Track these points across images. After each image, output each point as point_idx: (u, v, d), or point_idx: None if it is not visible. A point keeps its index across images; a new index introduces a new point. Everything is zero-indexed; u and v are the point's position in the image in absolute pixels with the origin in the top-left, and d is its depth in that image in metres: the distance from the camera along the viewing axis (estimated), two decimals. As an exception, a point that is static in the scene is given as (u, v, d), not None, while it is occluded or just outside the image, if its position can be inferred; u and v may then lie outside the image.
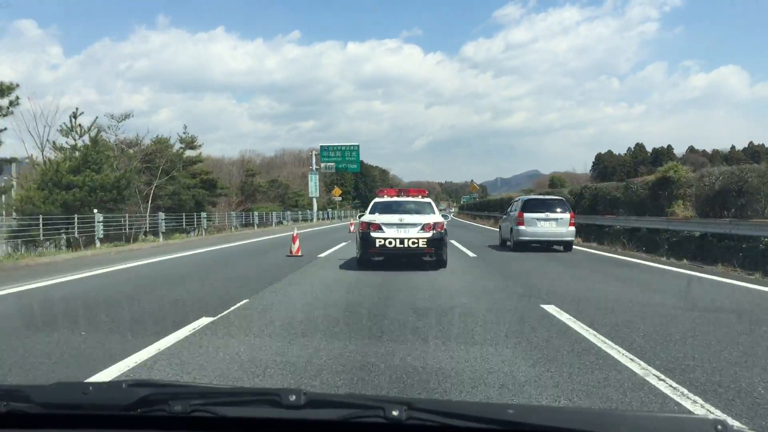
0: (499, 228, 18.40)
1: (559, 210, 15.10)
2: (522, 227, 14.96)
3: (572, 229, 15.02)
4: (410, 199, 12.02)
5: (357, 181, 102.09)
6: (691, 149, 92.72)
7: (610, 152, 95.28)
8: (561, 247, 15.13)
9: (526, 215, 15.02)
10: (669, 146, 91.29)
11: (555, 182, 72.00)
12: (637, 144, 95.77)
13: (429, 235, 10.25)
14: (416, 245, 10.20)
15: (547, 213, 15.03)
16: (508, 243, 15.90)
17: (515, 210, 15.97)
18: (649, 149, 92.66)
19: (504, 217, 18.24)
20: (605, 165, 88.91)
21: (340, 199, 65.31)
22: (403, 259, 10.61)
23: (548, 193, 26.67)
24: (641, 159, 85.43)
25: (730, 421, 2.80)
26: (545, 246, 15.34)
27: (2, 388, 1.42)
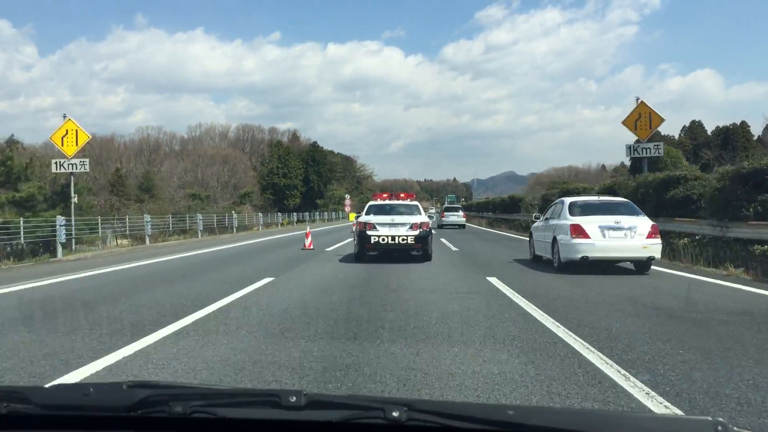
0: (438, 217, 39.38)
1: (460, 211, 37.15)
2: (443, 218, 35.80)
3: (464, 219, 36.49)
4: (400, 202, 14.57)
5: (307, 170, 75.72)
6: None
7: (656, 133, 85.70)
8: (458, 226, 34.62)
9: (446, 213, 36.27)
10: (743, 123, 77.16)
11: (666, 163, 65.41)
12: (693, 122, 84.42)
13: (416, 233, 12.70)
14: (405, 242, 12.66)
15: (453, 212, 36.33)
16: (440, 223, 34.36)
17: (423, 211, 34.22)
18: (709, 127, 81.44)
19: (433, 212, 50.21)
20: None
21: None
22: (394, 253, 12.85)
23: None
24: (703, 140, 78.73)
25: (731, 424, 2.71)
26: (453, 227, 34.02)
27: (3, 389, 1.52)
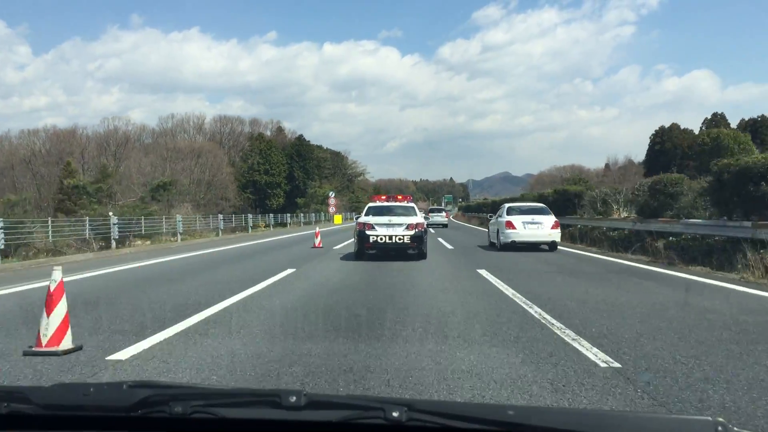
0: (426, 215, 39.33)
1: (443, 212, 45.59)
2: (428, 217, 33.72)
3: (446, 219, 43.76)
4: (398, 204, 15.74)
5: (291, 165, 69.39)
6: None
7: (676, 126, 72.57)
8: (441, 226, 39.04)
9: (430, 214, 42.56)
10: (771, 114, 70.01)
11: (733, 150, 57.66)
12: (715, 114, 77.03)
13: (412, 233, 13.73)
14: (402, 241, 13.68)
15: (437, 213, 44.22)
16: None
17: (420, 212, 37.51)
18: (733, 120, 74.96)
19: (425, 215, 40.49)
20: (670, 145, 66.11)
21: None
22: (391, 252, 13.85)
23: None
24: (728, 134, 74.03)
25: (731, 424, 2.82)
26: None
27: (3, 389, 1.54)
